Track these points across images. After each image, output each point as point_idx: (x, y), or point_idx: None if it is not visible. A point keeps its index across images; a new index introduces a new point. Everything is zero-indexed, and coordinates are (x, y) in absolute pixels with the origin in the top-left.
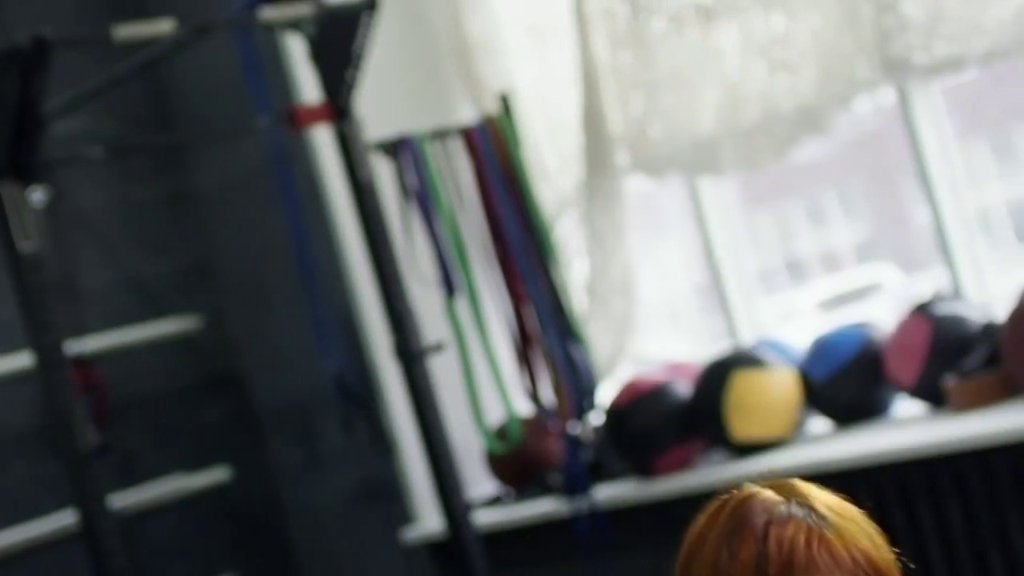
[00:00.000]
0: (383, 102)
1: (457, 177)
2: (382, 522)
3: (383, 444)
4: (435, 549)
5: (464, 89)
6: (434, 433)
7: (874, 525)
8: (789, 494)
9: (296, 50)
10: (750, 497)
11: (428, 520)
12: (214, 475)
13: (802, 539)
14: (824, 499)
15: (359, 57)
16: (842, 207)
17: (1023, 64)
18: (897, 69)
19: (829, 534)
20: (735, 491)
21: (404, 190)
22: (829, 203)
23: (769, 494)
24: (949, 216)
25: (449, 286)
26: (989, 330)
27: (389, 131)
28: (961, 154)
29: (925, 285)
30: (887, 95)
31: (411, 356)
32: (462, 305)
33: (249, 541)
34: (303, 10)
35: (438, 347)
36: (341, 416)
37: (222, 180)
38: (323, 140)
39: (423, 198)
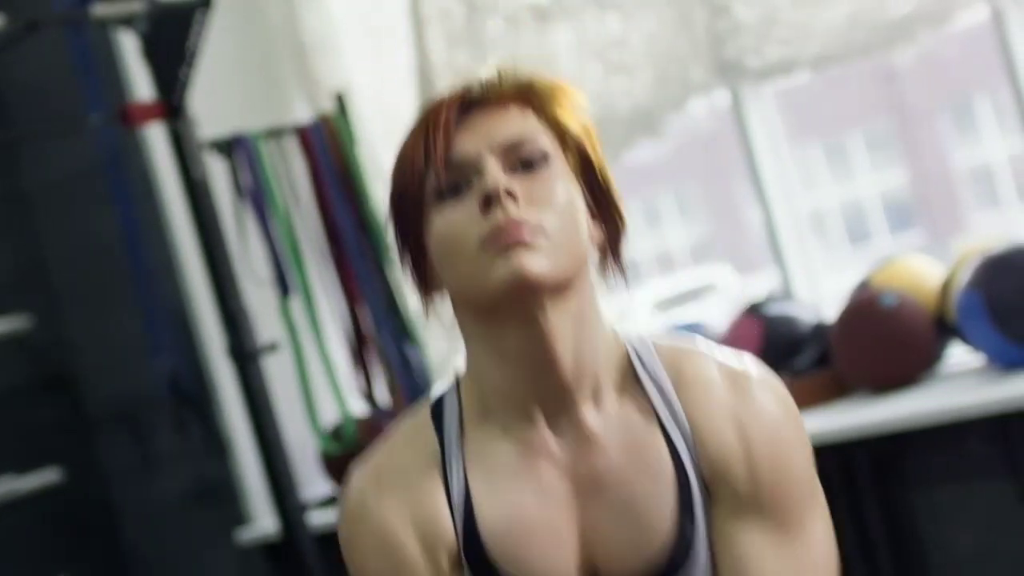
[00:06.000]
0: (217, 100)
1: (292, 176)
2: (216, 523)
3: (216, 444)
4: (269, 550)
5: (300, 88)
6: (268, 433)
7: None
8: (505, 68)
9: (129, 47)
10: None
11: (262, 521)
12: (45, 476)
13: (495, 90)
14: (540, 73)
15: (193, 55)
16: (677, 209)
17: (854, 69)
18: (730, 72)
19: (535, 86)
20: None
21: (238, 189)
22: (665, 204)
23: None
24: (781, 218)
25: (283, 286)
26: (819, 330)
27: (223, 130)
28: (794, 157)
29: (758, 285)
30: (721, 98)
31: (245, 356)
32: (296, 305)
33: (81, 543)
34: (135, 7)
35: (272, 347)
36: (174, 416)
37: (55, 178)
38: (156, 138)
39: (257, 197)
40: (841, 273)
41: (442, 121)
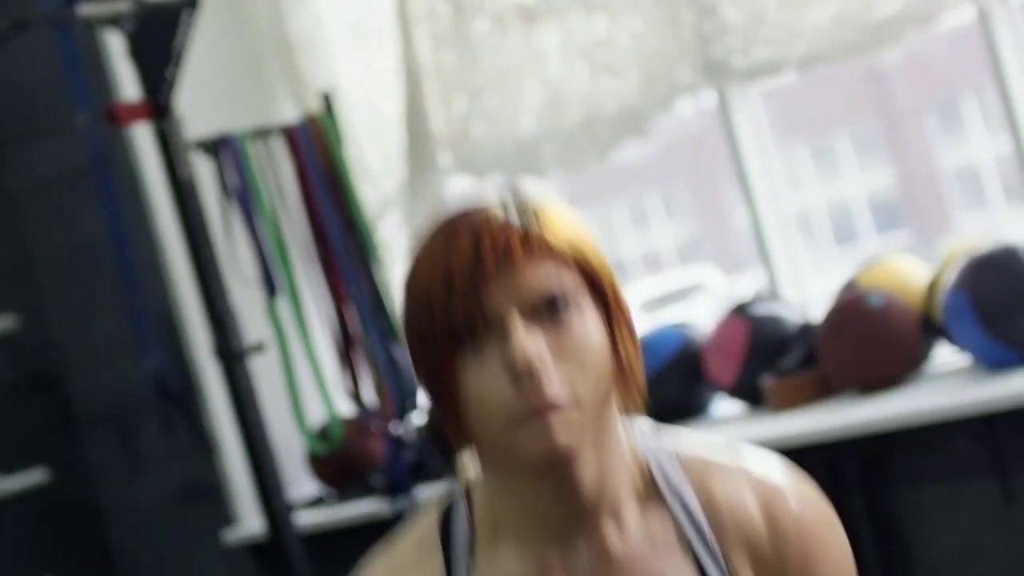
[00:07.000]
0: (204, 100)
1: (279, 176)
2: (203, 523)
3: (203, 445)
4: (256, 550)
5: (287, 88)
6: (255, 434)
7: (582, 221)
8: (507, 193)
9: (115, 47)
10: (469, 202)
11: (249, 521)
12: (31, 477)
13: (514, 232)
14: (544, 197)
15: (179, 54)
16: (665, 209)
17: (841, 70)
18: (717, 72)
19: (540, 226)
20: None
21: (225, 189)
22: (652, 204)
23: (488, 196)
24: (768, 218)
25: (270, 286)
26: (806, 330)
27: (210, 129)
28: (781, 157)
29: (745, 285)
30: (708, 98)
31: (232, 356)
32: (283, 305)
33: (68, 543)
34: (122, 6)
35: (259, 347)
36: (161, 416)
37: (41, 177)
38: (143, 138)
39: (244, 197)
40: (828, 273)
41: (465, 273)
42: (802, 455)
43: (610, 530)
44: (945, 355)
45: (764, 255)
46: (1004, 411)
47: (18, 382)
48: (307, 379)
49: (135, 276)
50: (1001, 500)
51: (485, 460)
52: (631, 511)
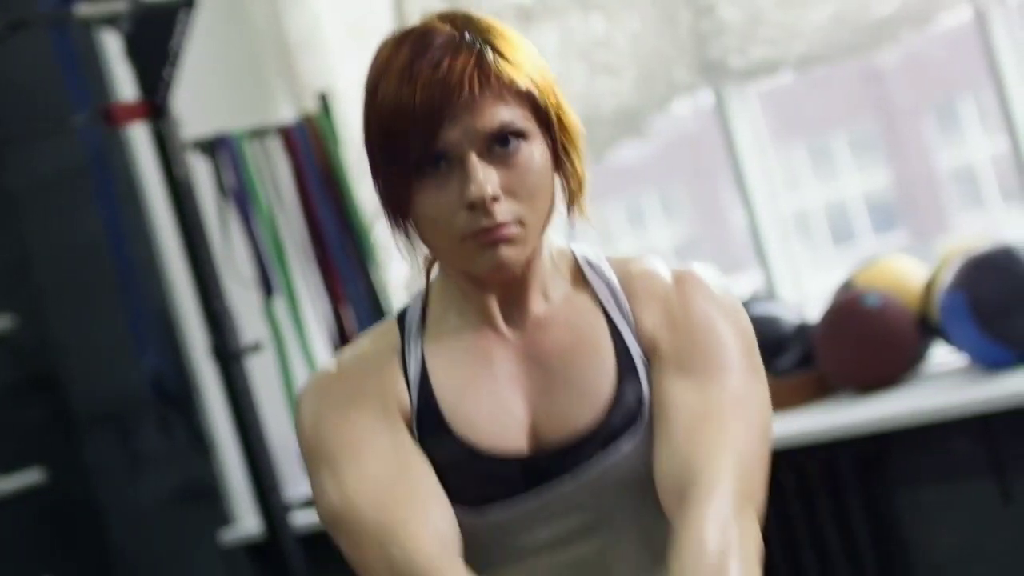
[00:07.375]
0: (201, 100)
1: (276, 177)
2: (201, 523)
3: (201, 445)
4: (253, 550)
5: (284, 88)
6: (252, 434)
7: (537, 53)
8: (464, 26)
9: (113, 47)
10: (429, 30)
11: (246, 521)
12: (29, 477)
13: (471, 63)
14: (496, 27)
15: (176, 54)
16: (662, 209)
17: (838, 70)
18: (714, 72)
19: (499, 57)
20: (415, 26)
21: (222, 189)
22: (649, 205)
23: (447, 26)
24: (765, 218)
25: (267, 286)
26: (803, 330)
27: (207, 130)
28: (778, 157)
29: (743, 285)
30: (705, 98)
31: (228, 356)
32: (280, 305)
33: (66, 543)
34: (119, 6)
35: (256, 347)
36: (159, 417)
37: (40, 177)
38: (140, 138)
39: (241, 197)
40: (825, 273)
41: (425, 102)
42: (800, 455)
43: (537, 302)
44: (942, 355)
45: (761, 255)
46: (1001, 411)
47: (17, 382)
48: (303, 379)
49: (133, 276)
50: (999, 500)
51: (437, 258)
52: (557, 290)
